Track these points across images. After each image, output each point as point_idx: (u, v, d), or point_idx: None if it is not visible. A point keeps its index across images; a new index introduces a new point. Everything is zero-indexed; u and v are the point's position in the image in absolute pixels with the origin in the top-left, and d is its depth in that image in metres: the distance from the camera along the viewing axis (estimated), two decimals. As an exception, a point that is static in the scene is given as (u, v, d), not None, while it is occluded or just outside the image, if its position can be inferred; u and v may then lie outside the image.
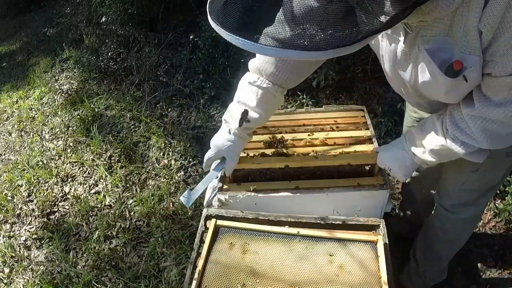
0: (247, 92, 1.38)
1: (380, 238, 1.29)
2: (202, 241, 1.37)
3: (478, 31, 0.90)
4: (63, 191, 2.99)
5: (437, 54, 0.99)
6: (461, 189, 1.52)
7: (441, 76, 1.01)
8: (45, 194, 2.98)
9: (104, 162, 3.04)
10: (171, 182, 2.78)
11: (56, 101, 3.97)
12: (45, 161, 3.27)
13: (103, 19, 4.14)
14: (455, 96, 1.11)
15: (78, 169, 3.12)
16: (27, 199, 3.02)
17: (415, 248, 1.90)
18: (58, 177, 3.09)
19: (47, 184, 3.07)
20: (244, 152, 1.71)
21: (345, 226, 1.37)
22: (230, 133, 1.42)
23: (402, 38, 1.06)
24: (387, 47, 1.15)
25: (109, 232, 2.59)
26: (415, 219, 2.05)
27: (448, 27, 0.95)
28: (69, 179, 3.07)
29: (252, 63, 1.38)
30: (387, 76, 1.32)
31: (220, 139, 1.44)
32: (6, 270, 2.57)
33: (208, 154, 1.47)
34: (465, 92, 1.10)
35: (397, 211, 2.26)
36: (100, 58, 4.11)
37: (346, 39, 0.75)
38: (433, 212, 1.74)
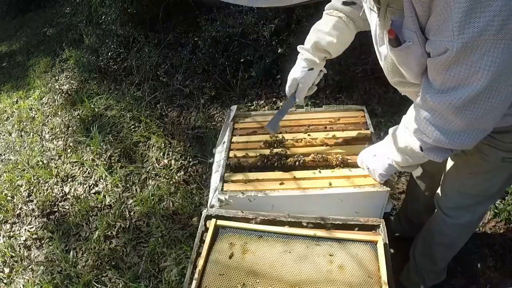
0: (322, 20, 1.54)
1: (380, 238, 1.29)
2: (202, 241, 1.37)
3: (413, 6, 0.93)
4: (63, 191, 2.99)
5: (398, 26, 1.03)
6: (458, 192, 1.51)
7: (390, 49, 1.09)
8: (45, 194, 2.98)
9: (104, 162, 3.04)
10: (171, 182, 2.78)
11: (56, 101, 3.97)
12: (45, 161, 3.27)
13: (103, 17, 4.14)
14: (409, 71, 1.12)
15: (78, 169, 3.12)
16: (27, 199, 3.02)
17: (414, 248, 1.90)
18: (58, 177, 3.09)
19: (47, 184, 3.07)
20: (244, 152, 1.71)
21: (345, 226, 1.36)
22: (304, 62, 1.59)
23: (377, 11, 1.11)
24: (372, 23, 1.22)
25: (109, 232, 2.59)
26: (416, 219, 2.04)
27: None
28: (69, 179, 3.07)
29: (329, 3, 1.52)
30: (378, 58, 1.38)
31: (295, 70, 1.62)
32: (6, 270, 2.57)
33: (286, 87, 1.64)
34: (416, 69, 1.09)
35: (397, 210, 2.26)
36: (100, 58, 4.11)
37: None
38: (433, 214, 1.74)
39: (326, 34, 1.51)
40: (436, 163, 1.24)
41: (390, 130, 1.37)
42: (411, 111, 1.20)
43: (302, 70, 1.59)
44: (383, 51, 1.19)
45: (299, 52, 1.63)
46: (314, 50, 1.56)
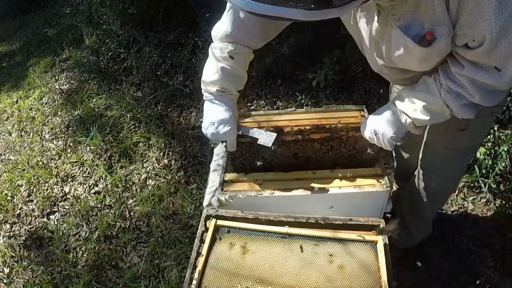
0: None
1: (380, 238, 1.29)
2: (202, 241, 1.37)
3: (445, 2, 1.00)
4: (63, 191, 2.99)
5: (409, 29, 1.09)
6: (446, 148, 1.59)
7: (414, 47, 1.10)
8: (45, 194, 2.98)
9: (104, 162, 3.04)
10: (171, 182, 2.78)
11: (56, 101, 3.97)
12: (45, 161, 3.27)
13: (104, 17, 4.14)
14: (428, 65, 1.20)
15: (78, 169, 3.12)
16: (27, 199, 3.02)
17: (401, 208, 2.00)
18: (58, 177, 3.09)
19: (47, 184, 3.07)
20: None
21: (345, 226, 1.36)
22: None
23: (376, 18, 1.16)
24: (364, 27, 1.25)
25: (109, 232, 2.59)
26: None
27: (415, 5, 1.05)
28: (69, 179, 3.07)
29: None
30: (368, 59, 1.40)
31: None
32: (6, 270, 2.57)
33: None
34: (437, 60, 1.19)
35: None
36: (100, 58, 4.11)
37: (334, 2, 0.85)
38: (418, 174, 1.81)
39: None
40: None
41: (404, 92, 1.34)
42: (443, 71, 1.21)
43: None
44: (383, 53, 1.25)
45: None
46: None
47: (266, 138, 1.50)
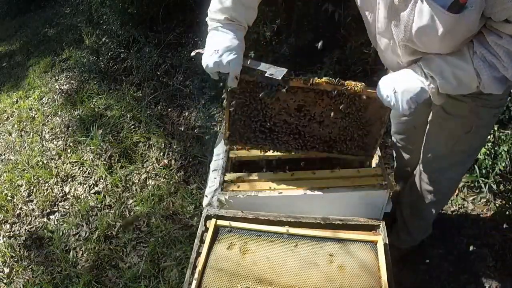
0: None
1: (380, 238, 1.29)
2: (202, 241, 1.37)
3: None
4: (63, 191, 2.99)
5: None
6: (451, 151, 1.58)
7: (442, 14, 1.05)
8: (45, 194, 2.98)
9: (104, 162, 3.04)
10: (171, 182, 2.78)
11: (56, 101, 3.97)
12: (45, 161, 3.27)
13: (104, 17, 4.14)
14: (450, 40, 1.14)
15: (78, 169, 3.12)
16: (27, 199, 3.02)
17: (401, 208, 1.99)
18: (58, 177, 3.09)
19: (47, 184, 3.07)
20: (244, 152, 1.71)
21: (345, 226, 1.37)
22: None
23: None
24: None
25: (109, 232, 2.59)
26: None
27: None
28: (69, 179, 3.07)
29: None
30: (375, 42, 1.35)
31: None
32: (6, 270, 2.57)
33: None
34: (460, 38, 1.13)
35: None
36: (100, 58, 4.11)
37: None
38: (419, 176, 1.80)
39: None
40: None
41: (431, 56, 1.24)
42: (478, 40, 1.15)
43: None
44: (401, 26, 1.18)
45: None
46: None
47: (275, 72, 1.39)
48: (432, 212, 1.89)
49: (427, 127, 1.67)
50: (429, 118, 1.64)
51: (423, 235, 2.05)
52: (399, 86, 1.26)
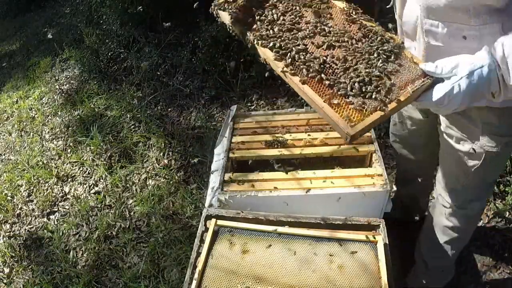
0: None
1: (380, 238, 1.29)
2: (202, 241, 1.37)
3: None
4: (63, 191, 2.99)
5: None
6: (464, 187, 1.52)
7: None
8: (45, 194, 2.98)
9: (104, 162, 3.04)
10: (171, 182, 2.78)
11: (56, 101, 3.97)
12: (45, 161, 3.28)
13: (103, 17, 4.14)
14: None
15: (78, 169, 3.12)
16: (27, 199, 3.02)
17: (420, 249, 1.89)
18: (58, 177, 3.09)
19: (47, 184, 3.07)
20: (244, 152, 1.71)
21: (345, 226, 1.36)
22: None
23: None
24: None
25: (109, 232, 2.59)
26: (412, 202, 2.06)
27: None
28: (69, 179, 3.07)
29: None
30: (402, 17, 1.28)
31: None
32: (6, 270, 2.57)
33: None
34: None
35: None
36: (100, 58, 4.11)
37: None
38: (435, 210, 1.74)
39: None
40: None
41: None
42: None
43: None
44: None
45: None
46: None
47: None
48: (457, 248, 1.78)
49: (439, 160, 1.60)
50: (440, 150, 1.57)
51: (446, 278, 1.92)
52: (451, 62, 1.03)
